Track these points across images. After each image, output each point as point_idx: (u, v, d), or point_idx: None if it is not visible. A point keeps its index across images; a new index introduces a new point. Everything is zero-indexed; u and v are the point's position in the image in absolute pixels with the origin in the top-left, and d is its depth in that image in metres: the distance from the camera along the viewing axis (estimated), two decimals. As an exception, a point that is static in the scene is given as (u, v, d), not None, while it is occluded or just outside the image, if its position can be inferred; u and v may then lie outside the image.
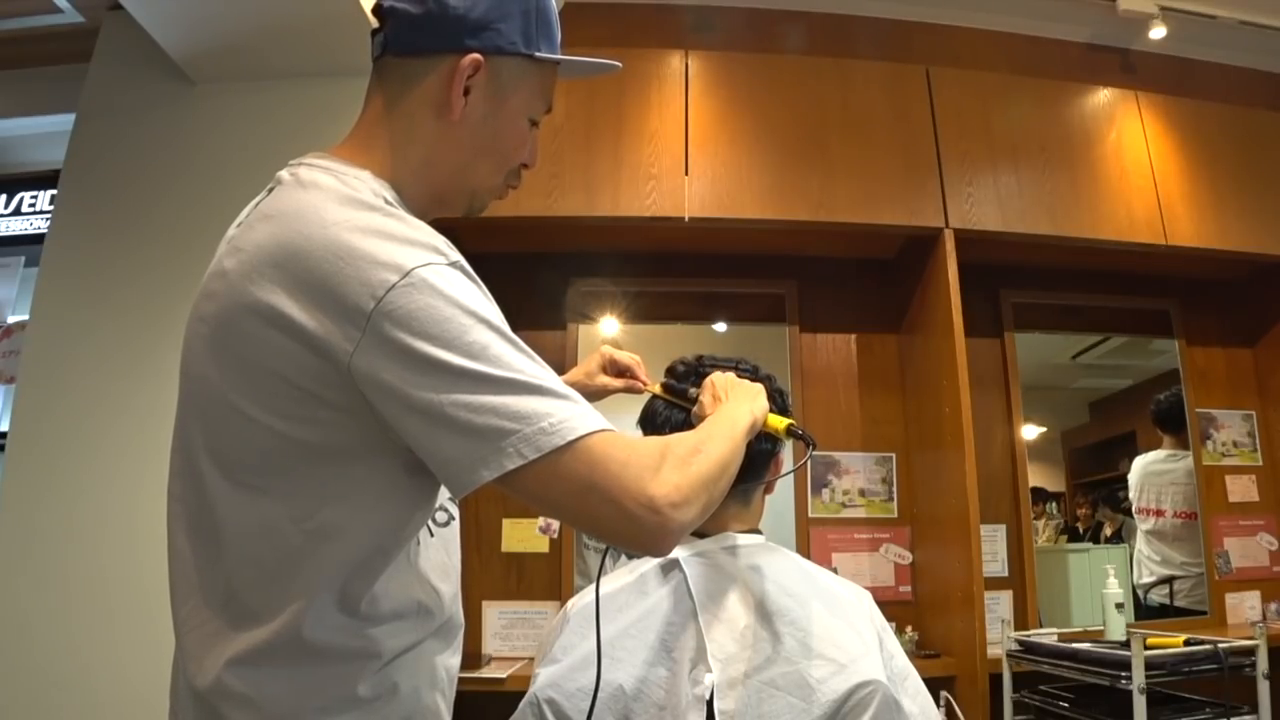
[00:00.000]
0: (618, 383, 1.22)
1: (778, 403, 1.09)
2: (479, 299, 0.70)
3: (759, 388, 1.03)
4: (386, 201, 0.76)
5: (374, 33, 0.84)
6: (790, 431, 1.03)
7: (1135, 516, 2.68)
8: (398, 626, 0.75)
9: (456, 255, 0.71)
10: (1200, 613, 2.56)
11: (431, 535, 0.84)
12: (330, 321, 0.66)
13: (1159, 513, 2.67)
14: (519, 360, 0.68)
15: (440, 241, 0.71)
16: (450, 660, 0.83)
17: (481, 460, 0.65)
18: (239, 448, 0.71)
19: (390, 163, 0.81)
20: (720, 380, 1.03)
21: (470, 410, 0.65)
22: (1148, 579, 2.62)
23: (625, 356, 1.22)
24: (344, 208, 0.71)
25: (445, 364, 0.65)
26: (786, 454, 1.07)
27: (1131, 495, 2.70)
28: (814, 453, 1.01)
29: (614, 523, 0.67)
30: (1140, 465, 2.72)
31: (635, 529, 0.67)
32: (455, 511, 0.90)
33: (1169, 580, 2.58)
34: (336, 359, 0.66)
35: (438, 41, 0.80)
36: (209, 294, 0.75)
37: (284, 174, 0.79)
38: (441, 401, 0.65)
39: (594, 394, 1.22)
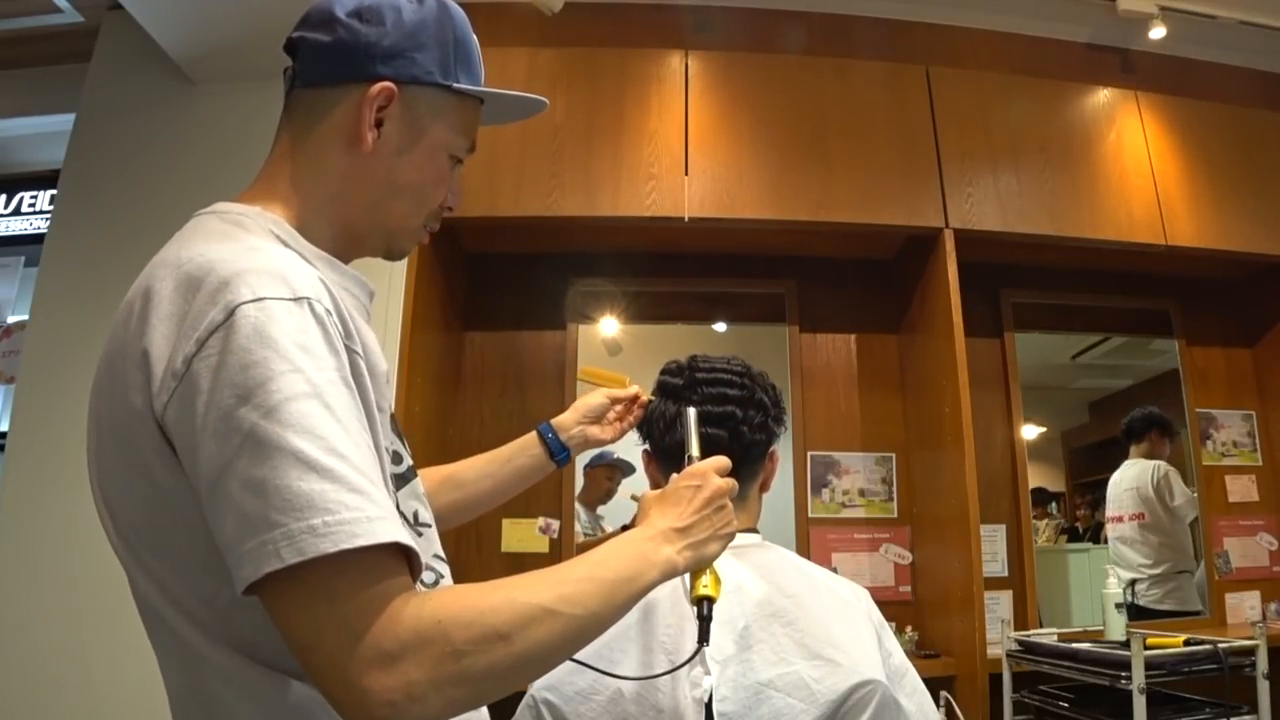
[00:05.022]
0: (606, 433, 1.19)
1: (771, 400, 1.10)
2: (312, 344, 0.60)
3: (730, 534, 0.83)
4: (278, 238, 0.71)
5: (285, 71, 0.79)
6: (697, 603, 0.83)
7: (1106, 526, 2.72)
8: None
9: (310, 291, 0.62)
10: (1161, 613, 2.57)
11: None
12: (163, 372, 0.60)
13: (1119, 519, 2.71)
14: (324, 425, 0.57)
15: (297, 273, 0.63)
16: None
17: (247, 555, 0.54)
18: (135, 516, 0.66)
19: (291, 200, 0.75)
20: (692, 494, 0.81)
21: (246, 488, 0.55)
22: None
23: (594, 400, 1.19)
24: (208, 242, 0.66)
25: (235, 423, 0.56)
26: (785, 452, 1.06)
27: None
28: (702, 648, 0.82)
29: (322, 690, 0.56)
30: (1110, 482, 2.76)
31: (339, 710, 0.56)
32: (445, 570, 0.82)
33: (1132, 582, 2.59)
34: (154, 416, 0.60)
35: (348, 70, 0.75)
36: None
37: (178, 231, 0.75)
38: (224, 473, 0.56)
39: (581, 445, 1.19)
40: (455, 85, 0.79)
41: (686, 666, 0.93)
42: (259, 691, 0.63)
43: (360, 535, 0.54)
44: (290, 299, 0.61)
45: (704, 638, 0.81)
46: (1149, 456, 2.71)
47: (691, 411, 0.96)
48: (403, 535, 0.57)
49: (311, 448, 0.56)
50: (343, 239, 0.78)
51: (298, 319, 0.60)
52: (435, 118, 0.78)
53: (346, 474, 0.56)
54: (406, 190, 0.79)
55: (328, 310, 0.63)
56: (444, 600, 0.59)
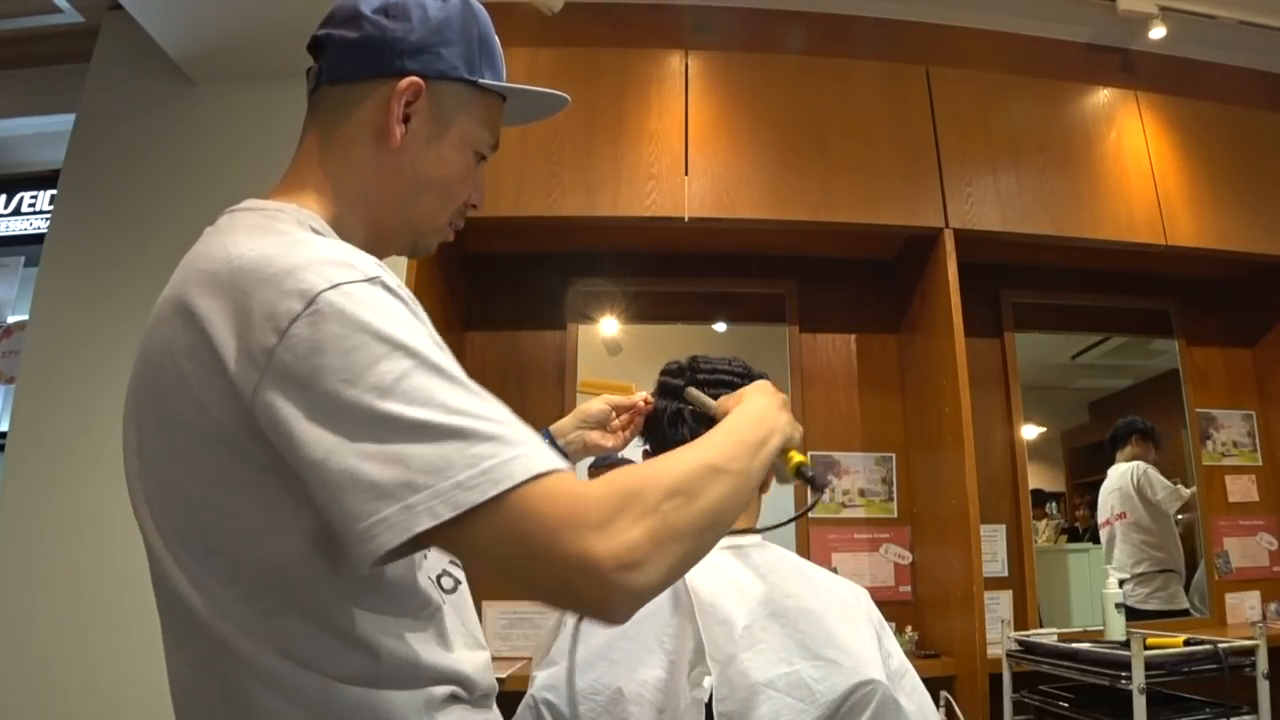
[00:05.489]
0: (608, 440, 1.17)
1: None
2: (399, 319, 0.61)
3: (799, 433, 0.92)
4: (314, 230, 0.71)
5: (308, 71, 0.80)
6: (800, 472, 0.90)
7: (1101, 533, 2.73)
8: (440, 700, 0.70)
9: (377, 270, 0.64)
10: (1147, 613, 2.56)
11: (443, 604, 0.77)
12: (237, 362, 0.60)
13: (1107, 523, 2.72)
14: (441, 392, 0.58)
15: (357, 256, 0.65)
16: None
17: (383, 523, 0.55)
18: (186, 523, 0.65)
19: (323, 196, 0.76)
20: (771, 389, 0.93)
21: (373, 461, 0.55)
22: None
23: (594, 406, 1.17)
24: (253, 237, 0.66)
25: (348, 405, 0.56)
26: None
27: (1100, 519, 2.79)
28: (822, 497, 0.91)
29: (554, 592, 0.58)
30: (1100, 490, 2.77)
31: (576, 598, 0.57)
32: (461, 575, 0.83)
33: (1119, 583, 2.61)
34: (243, 406, 0.60)
35: (375, 66, 0.76)
36: (134, 368, 0.70)
37: (209, 227, 0.75)
38: (341, 451, 0.56)
39: (580, 451, 1.18)
40: (481, 81, 0.80)
41: (688, 665, 0.93)
42: (301, 692, 0.63)
43: (503, 480, 0.55)
44: (363, 280, 0.61)
45: (819, 486, 0.91)
46: (1131, 460, 2.74)
47: (691, 390, 1.04)
48: (541, 462, 0.57)
49: (436, 415, 0.57)
50: (374, 237, 0.79)
51: (378, 297, 0.61)
52: (461, 113, 0.80)
53: (474, 428, 0.57)
54: (434, 185, 0.80)
55: (398, 284, 0.65)
56: (621, 474, 0.61)
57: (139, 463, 0.69)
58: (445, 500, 0.54)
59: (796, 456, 0.90)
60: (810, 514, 2.48)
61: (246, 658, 0.63)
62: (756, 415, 0.81)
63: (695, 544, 0.62)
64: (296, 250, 0.64)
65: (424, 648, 0.69)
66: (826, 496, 2.50)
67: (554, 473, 0.57)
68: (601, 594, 0.56)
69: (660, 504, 0.60)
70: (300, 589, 0.64)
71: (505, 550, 0.56)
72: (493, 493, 0.55)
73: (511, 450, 0.57)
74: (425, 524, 0.54)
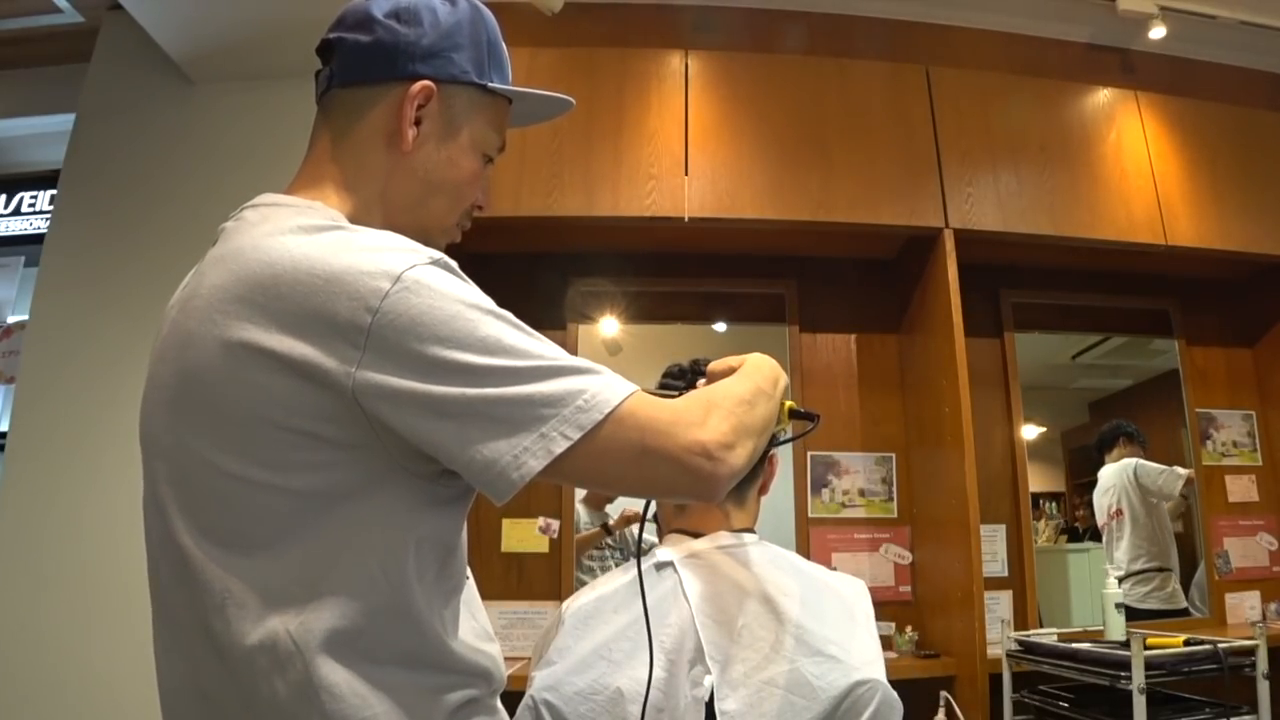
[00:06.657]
0: None
1: None
2: (473, 291, 0.68)
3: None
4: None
5: (317, 73, 0.81)
6: (793, 413, 0.98)
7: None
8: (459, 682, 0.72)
9: (436, 253, 0.69)
10: (1145, 613, 2.56)
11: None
12: (321, 346, 0.62)
13: (1104, 524, 2.73)
14: (534, 345, 0.66)
15: (412, 243, 0.69)
16: None
17: (526, 451, 0.63)
18: (231, 515, 0.66)
19: (342, 196, 0.78)
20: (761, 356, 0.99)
21: (503, 404, 0.63)
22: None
23: None
24: (303, 232, 0.68)
25: (465, 364, 0.63)
26: (785, 451, 1.07)
27: (1100, 520, 2.80)
28: (815, 428, 0.99)
29: (672, 479, 0.68)
30: (1094, 494, 2.78)
31: (692, 479, 0.67)
32: (467, 570, 0.85)
33: (1119, 580, 2.62)
34: (336, 384, 0.63)
35: (387, 69, 0.77)
36: (163, 358, 0.71)
37: (228, 223, 0.76)
38: (471, 402, 0.63)
39: None
40: (490, 85, 0.81)
41: (687, 665, 0.93)
42: (334, 695, 0.64)
43: (612, 399, 0.65)
44: (429, 261, 0.67)
45: (813, 417, 0.98)
46: (1120, 460, 2.74)
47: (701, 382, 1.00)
48: (628, 383, 0.68)
49: (537, 361, 0.65)
50: None
51: (449, 275, 0.67)
52: (471, 116, 0.81)
53: (570, 364, 0.66)
54: (444, 188, 0.81)
55: (454, 264, 0.69)
56: (697, 392, 0.76)
57: (171, 457, 0.69)
58: (571, 423, 0.64)
59: (787, 403, 0.99)
60: (810, 513, 2.48)
61: (283, 653, 0.63)
62: (767, 365, 0.91)
63: (755, 442, 0.76)
64: (359, 238, 0.68)
65: (457, 631, 0.73)
66: (826, 496, 2.50)
67: (639, 390, 0.68)
68: (712, 468, 0.67)
69: (734, 409, 0.73)
70: (356, 564, 0.66)
71: (627, 454, 0.66)
72: (607, 410, 0.65)
73: (603, 377, 0.67)
74: (561, 446, 0.63)
